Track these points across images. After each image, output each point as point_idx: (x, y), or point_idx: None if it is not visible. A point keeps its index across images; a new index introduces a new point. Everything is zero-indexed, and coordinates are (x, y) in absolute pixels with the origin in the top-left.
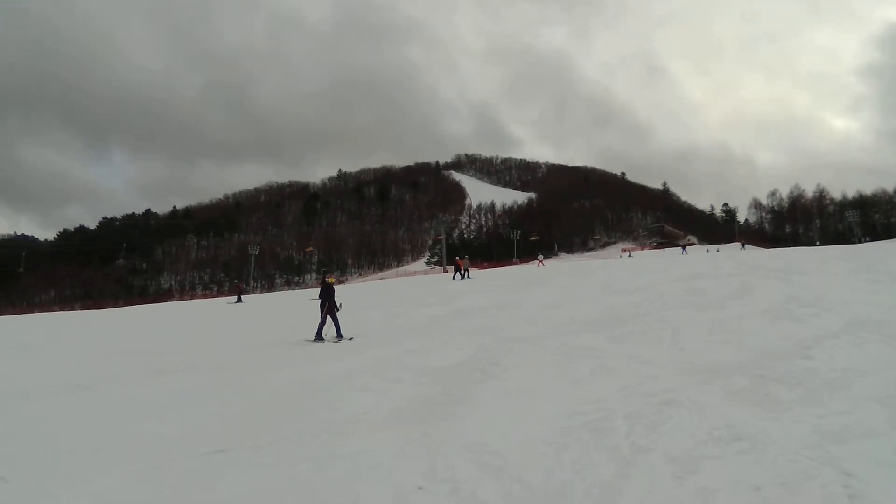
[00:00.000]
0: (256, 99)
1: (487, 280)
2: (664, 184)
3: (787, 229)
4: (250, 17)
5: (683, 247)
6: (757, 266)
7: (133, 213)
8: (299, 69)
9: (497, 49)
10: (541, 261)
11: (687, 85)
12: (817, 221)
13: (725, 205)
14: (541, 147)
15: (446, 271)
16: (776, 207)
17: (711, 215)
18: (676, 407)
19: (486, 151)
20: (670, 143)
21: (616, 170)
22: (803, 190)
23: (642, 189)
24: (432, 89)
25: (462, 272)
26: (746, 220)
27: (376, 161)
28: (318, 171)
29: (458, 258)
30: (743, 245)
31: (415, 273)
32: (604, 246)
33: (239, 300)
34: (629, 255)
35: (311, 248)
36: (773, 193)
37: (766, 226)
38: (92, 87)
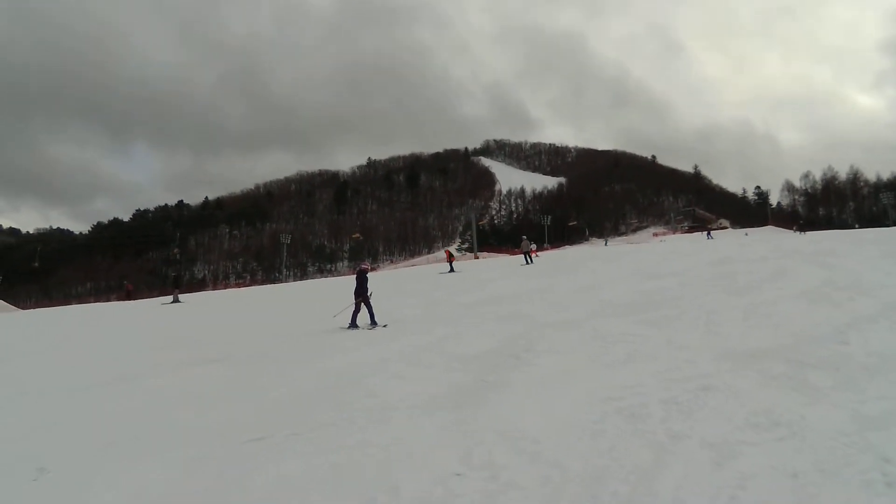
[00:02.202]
0: (274, 88)
1: (518, 266)
2: (695, 167)
3: (821, 212)
4: (254, 6)
5: (709, 231)
6: (791, 250)
7: (166, 204)
8: (310, 55)
9: (507, 30)
10: (533, 251)
11: (704, 62)
12: (851, 204)
13: (757, 188)
14: (560, 128)
15: (477, 258)
16: (809, 190)
17: (743, 198)
18: (713, 392)
19: (504, 134)
20: (691, 121)
21: (641, 151)
22: (836, 172)
23: (673, 172)
24: (445, 72)
25: (451, 266)
26: (779, 202)
27: (402, 148)
28: (344, 160)
29: (447, 250)
30: (801, 229)
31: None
32: (635, 230)
33: (176, 300)
34: (661, 241)
35: (357, 235)
36: (806, 175)
37: (800, 209)
38: (112, 84)
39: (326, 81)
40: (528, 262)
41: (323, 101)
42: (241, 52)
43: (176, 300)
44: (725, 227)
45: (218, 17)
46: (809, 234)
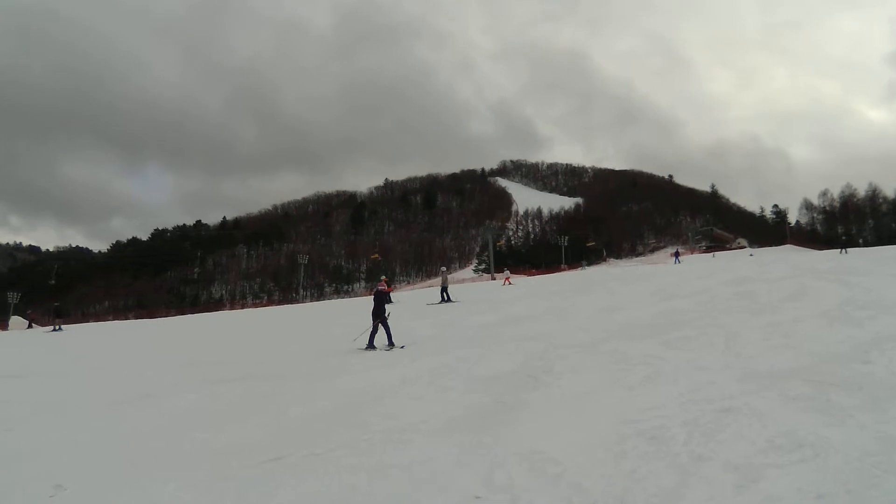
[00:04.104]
0: (282, 108)
1: (536, 287)
2: (712, 186)
3: (840, 230)
4: (254, 28)
5: (676, 255)
6: (810, 269)
7: (184, 224)
8: (314, 76)
9: (509, 48)
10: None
11: (711, 78)
12: (870, 221)
13: (775, 206)
14: (569, 147)
15: (494, 278)
16: (828, 208)
17: (761, 217)
18: (735, 414)
19: (514, 153)
20: (700, 138)
21: (655, 170)
22: (855, 188)
23: (690, 192)
24: (450, 90)
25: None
26: (798, 221)
27: (419, 169)
28: (361, 181)
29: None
30: (843, 248)
31: (462, 280)
32: (653, 250)
33: (58, 328)
34: (677, 261)
35: (376, 256)
36: (823, 193)
37: (818, 227)
38: (123, 105)
39: (332, 102)
40: (444, 300)
41: (330, 122)
42: (245, 73)
43: (58, 328)
44: (743, 247)
45: (220, 40)
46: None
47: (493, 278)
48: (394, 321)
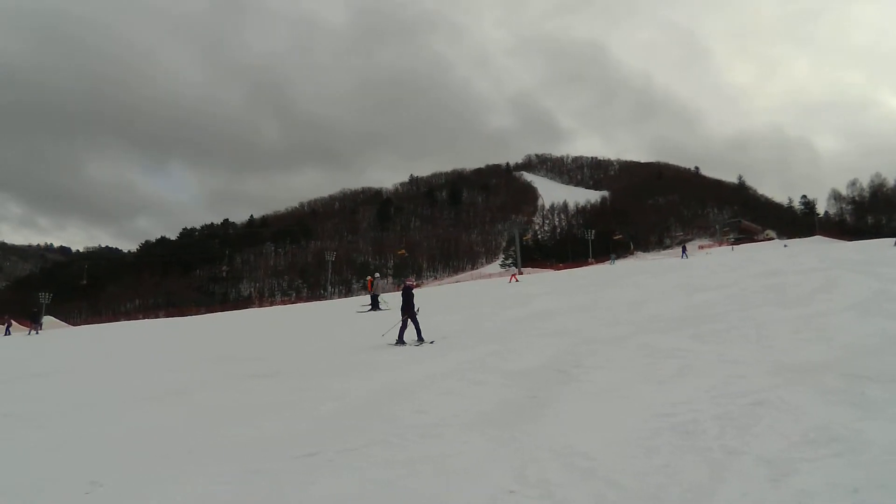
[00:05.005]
0: (301, 105)
1: (563, 281)
2: (739, 177)
3: (869, 221)
4: (270, 25)
5: (683, 250)
6: (841, 260)
7: (212, 223)
8: (331, 72)
9: (525, 40)
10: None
11: (732, 68)
12: None
13: (804, 197)
14: (591, 139)
15: (521, 273)
16: (857, 198)
17: (790, 208)
18: (767, 408)
19: (535, 147)
20: (723, 130)
21: (680, 162)
22: (885, 178)
23: (717, 183)
24: (467, 84)
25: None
26: (826, 212)
27: (444, 164)
28: (386, 177)
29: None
30: None
31: (489, 276)
32: (680, 243)
33: (35, 333)
34: (684, 255)
35: (402, 251)
36: (852, 183)
37: (847, 218)
38: (145, 106)
39: (352, 98)
40: (374, 307)
41: (351, 118)
42: (264, 70)
43: (36, 332)
44: (771, 239)
45: (236, 38)
46: None
47: (520, 272)
48: (422, 317)
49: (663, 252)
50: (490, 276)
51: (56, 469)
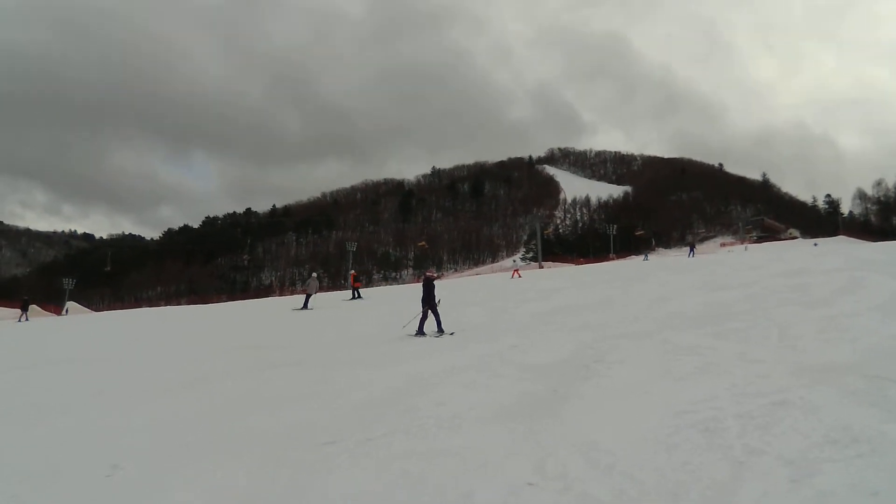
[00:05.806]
0: (323, 96)
1: (585, 276)
2: (763, 174)
3: (895, 221)
4: (290, 17)
5: (645, 254)
6: (865, 260)
7: (234, 212)
8: (352, 63)
9: (546, 32)
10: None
11: (756, 64)
12: None
13: (828, 196)
14: (613, 134)
15: (541, 267)
16: (882, 198)
17: (814, 207)
18: (789, 407)
19: (557, 140)
20: (747, 125)
21: (703, 158)
22: None
23: (741, 180)
24: (488, 76)
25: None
26: (851, 211)
27: (467, 157)
28: (408, 169)
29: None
30: None
31: (510, 269)
32: (703, 240)
33: (23, 320)
34: (692, 253)
35: (423, 244)
36: (878, 183)
37: (872, 218)
38: (168, 96)
39: (373, 89)
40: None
41: (372, 109)
42: (285, 61)
43: (24, 319)
44: (794, 238)
45: (257, 29)
46: None
47: (541, 266)
48: (443, 308)
49: (685, 248)
50: (510, 269)
51: (77, 453)
